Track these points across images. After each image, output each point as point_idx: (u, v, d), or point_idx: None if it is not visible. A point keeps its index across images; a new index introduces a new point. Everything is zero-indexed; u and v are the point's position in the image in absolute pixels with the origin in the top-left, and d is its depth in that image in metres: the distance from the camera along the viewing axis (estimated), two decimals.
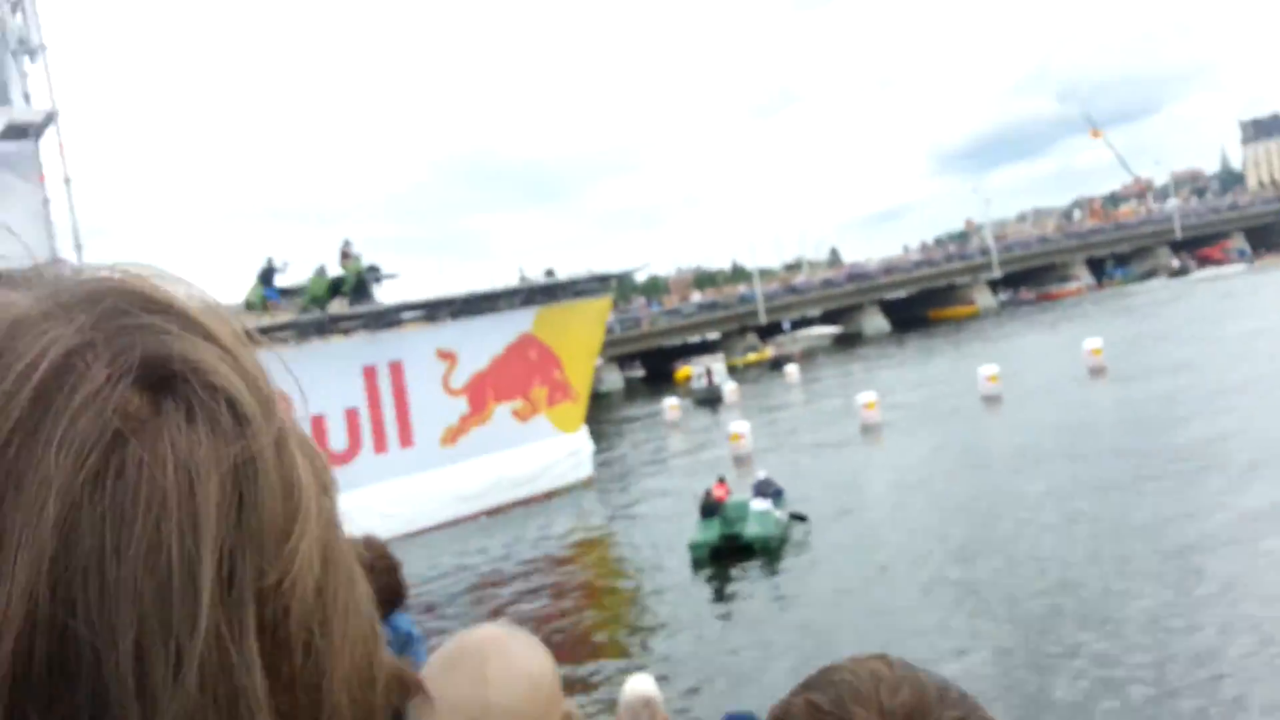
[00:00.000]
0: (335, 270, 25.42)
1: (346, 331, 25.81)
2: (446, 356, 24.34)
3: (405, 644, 3.40)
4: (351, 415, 22.97)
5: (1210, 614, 10.24)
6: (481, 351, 24.75)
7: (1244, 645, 9.34)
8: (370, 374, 23.36)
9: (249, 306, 24.45)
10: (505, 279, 27.82)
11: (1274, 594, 10.41)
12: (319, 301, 24.72)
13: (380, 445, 23.18)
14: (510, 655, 1.12)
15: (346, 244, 25.63)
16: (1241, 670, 8.90)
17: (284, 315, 23.39)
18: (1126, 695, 8.78)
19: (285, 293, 25.60)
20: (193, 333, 0.36)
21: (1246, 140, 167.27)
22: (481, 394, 24.69)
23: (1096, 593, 11.50)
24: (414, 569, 18.21)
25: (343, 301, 24.73)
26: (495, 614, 14.85)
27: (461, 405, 24.46)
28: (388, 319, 24.71)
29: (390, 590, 3.28)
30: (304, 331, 24.00)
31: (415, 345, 24.23)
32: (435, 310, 25.85)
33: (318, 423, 22.33)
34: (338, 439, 22.63)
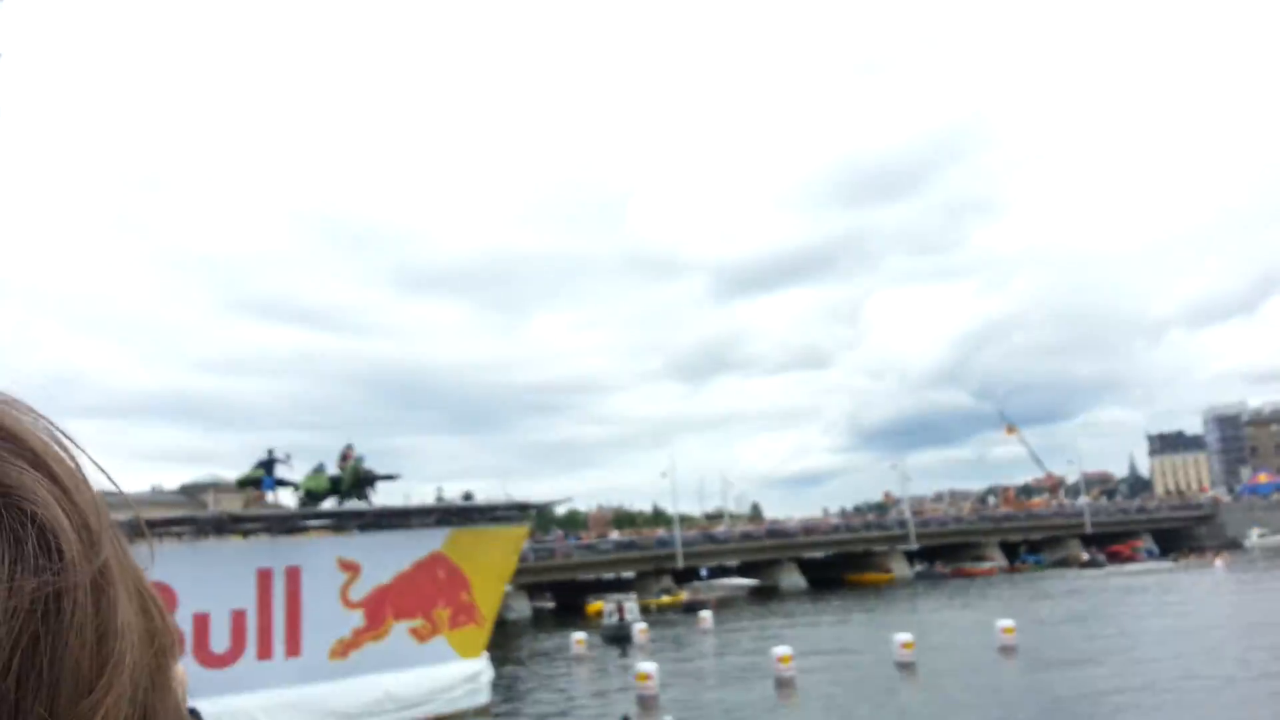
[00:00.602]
0: (333, 469, 25.66)
1: (245, 533, 25.13)
2: (349, 567, 23.56)
3: None
4: (238, 617, 21.81)
5: None
6: (386, 566, 23.99)
7: None
8: (265, 577, 22.45)
9: (241, 487, 25.29)
10: (422, 498, 27.45)
11: None
12: (315, 497, 24.95)
13: (265, 651, 21.85)
14: None
15: (348, 446, 26.14)
16: None
17: (179, 511, 22.94)
18: None
19: (281, 484, 25.83)
20: (21, 460, 0.33)
21: (1154, 452, 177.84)
22: (380, 609, 23.70)
23: None
24: None
25: (334, 500, 25.12)
26: None
27: (357, 619, 23.37)
28: (291, 524, 24.17)
29: None
30: (201, 528, 23.42)
31: (316, 553, 23.50)
32: (343, 520, 25.41)
33: (201, 621, 21.22)
34: (220, 640, 21.38)
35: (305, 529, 24.49)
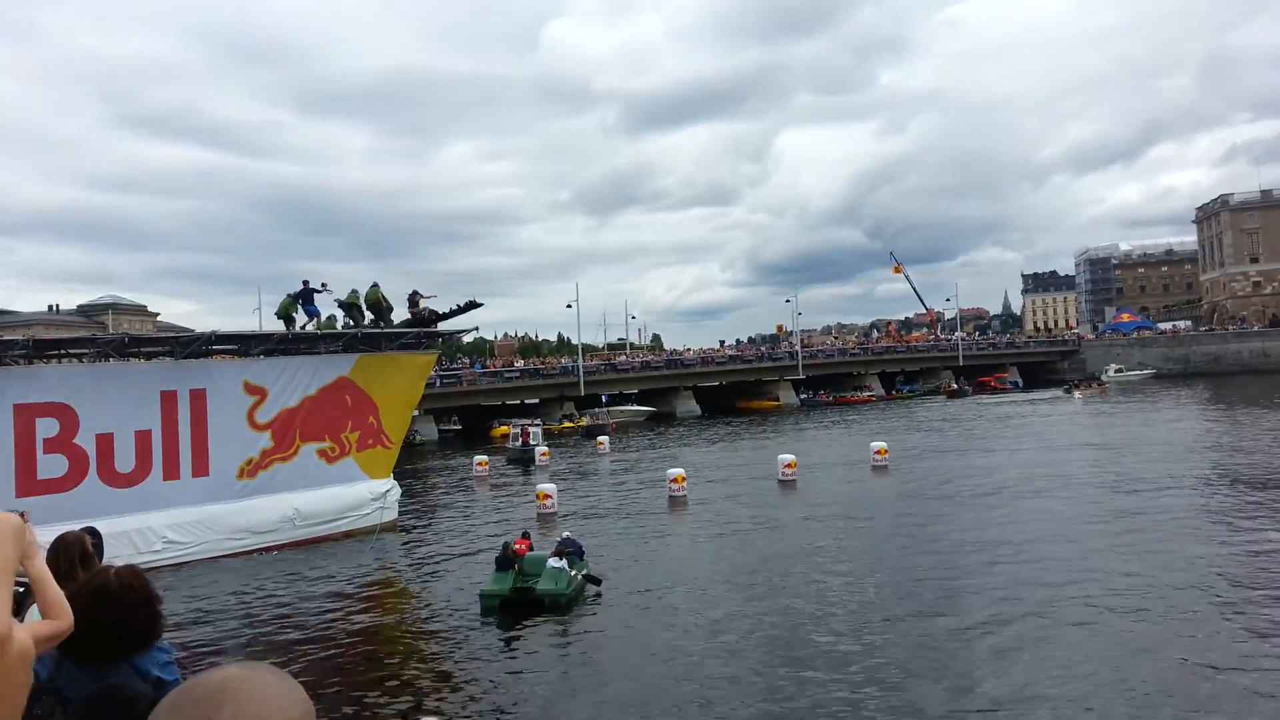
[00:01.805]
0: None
1: (147, 356, 24.90)
2: (255, 391, 23.79)
3: (155, 689, 2.98)
4: (142, 438, 21.99)
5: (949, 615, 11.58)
6: (293, 390, 24.32)
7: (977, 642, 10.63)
8: (169, 399, 22.53)
9: (280, 317, 26.52)
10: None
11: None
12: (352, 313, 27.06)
13: (172, 472, 22.23)
14: (246, 701, 0.97)
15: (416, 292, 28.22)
16: (984, 677, 10.14)
17: (82, 332, 22.49)
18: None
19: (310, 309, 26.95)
20: None
21: (1027, 290, 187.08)
22: (288, 431, 24.17)
23: (877, 629, 12.83)
24: (195, 600, 17.53)
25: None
26: (275, 651, 14.48)
27: (265, 440, 23.84)
28: (194, 348, 24.06)
29: (142, 629, 2.95)
30: (102, 350, 23.13)
31: (221, 376, 23.63)
32: (248, 344, 25.38)
33: (104, 441, 21.36)
34: (125, 460, 21.62)
35: (209, 353, 24.40)
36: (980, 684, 11.30)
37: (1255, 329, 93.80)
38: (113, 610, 2.88)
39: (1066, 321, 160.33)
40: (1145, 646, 12.30)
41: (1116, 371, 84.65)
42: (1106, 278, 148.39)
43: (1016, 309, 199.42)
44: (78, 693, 2.72)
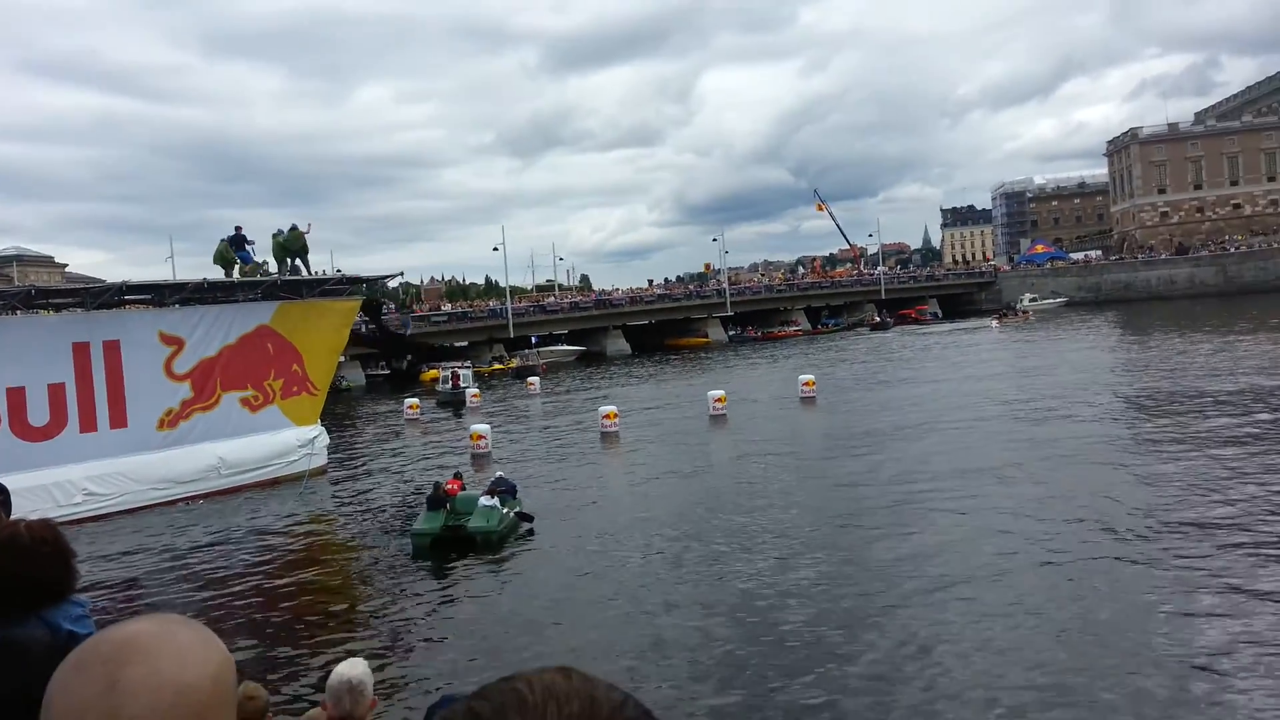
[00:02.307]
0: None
1: (56, 307, 24.09)
2: (171, 341, 23.21)
3: (68, 642, 2.84)
4: (56, 391, 21.36)
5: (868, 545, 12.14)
6: (211, 339, 23.78)
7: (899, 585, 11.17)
8: (81, 350, 21.87)
9: (218, 263, 25.88)
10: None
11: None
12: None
13: (89, 424, 21.67)
14: (156, 657, 0.90)
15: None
16: (892, 616, 10.67)
17: None
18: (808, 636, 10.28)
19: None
20: None
21: (945, 224, 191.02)
22: (208, 381, 23.68)
23: (805, 556, 13.38)
24: (119, 552, 17.26)
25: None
26: (202, 600, 14.41)
27: (184, 390, 23.34)
28: (105, 298, 23.32)
29: (55, 582, 2.82)
30: (8, 302, 22.32)
31: (135, 327, 23.02)
32: (162, 294, 24.70)
33: (16, 395, 20.72)
34: (38, 414, 21.01)
35: (122, 303, 23.66)
36: (897, 606, 11.84)
37: (1162, 257, 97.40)
38: (23, 564, 2.85)
39: (984, 254, 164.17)
40: (1062, 575, 12.95)
41: (1031, 301, 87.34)
42: (1021, 211, 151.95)
43: (936, 243, 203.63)
44: None
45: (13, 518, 3.39)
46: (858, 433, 25.62)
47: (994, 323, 72.63)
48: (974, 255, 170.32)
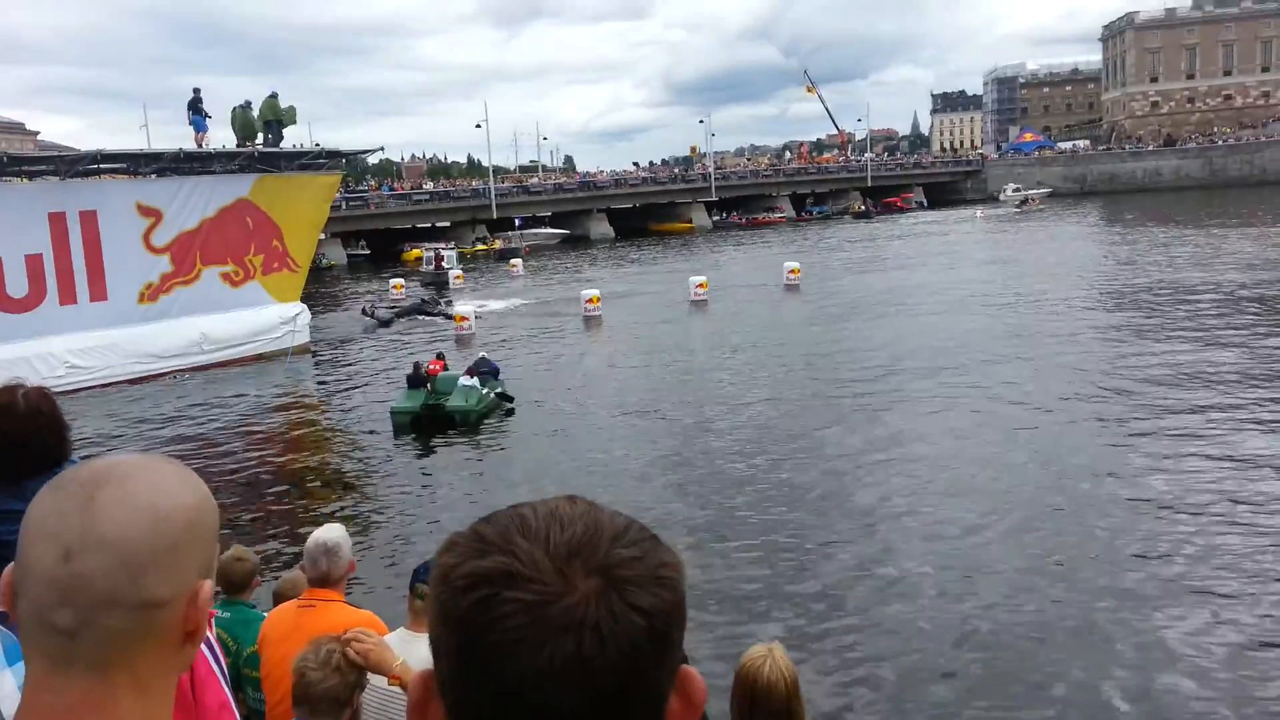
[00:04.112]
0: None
1: (29, 175, 23.60)
2: (149, 213, 22.86)
3: None
4: (33, 261, 21.13)
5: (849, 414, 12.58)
6: (190, 211, 23.44)
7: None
8: (58, 220, 21.52)
9: (238, 129, 25.21)
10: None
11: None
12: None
13: (68, 296, 21.54)
14: (134, 482, 0.90)
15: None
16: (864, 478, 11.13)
17: None
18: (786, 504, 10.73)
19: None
20: None
21: (935, 110, 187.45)
22: (188, 254, 23.47)
23: (780, 427, 13.94)
24: (102, 424, 17.47)
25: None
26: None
27: (164, 264, 23.15)
28: (78, 167, 22.82)
29: (50, 451, 2.79)
30: None
31: (112, 197, 22.62)
32: (137, 163, 24.21)
33: None
34: (16, 285, 20.85)
35: (98, 173, 23.18)
36: (864, 482, 12.27)
37: (1150, 149, 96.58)
38: (19, 431, 2.91)
39: (972, 142, 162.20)
40: (1032, 449, 13.38)
41: (1015, 191, 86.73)
42: (1012, 97, 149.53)
43: (925, 129, 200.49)
44: None
45: (9, 384, 3.46)
46: (840, 320, 26.01)
47: (979, 212, 72.36)
48: (963, 143, 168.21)
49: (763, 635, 7.10)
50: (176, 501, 0.91)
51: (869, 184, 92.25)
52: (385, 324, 30.22)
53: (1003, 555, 9.42)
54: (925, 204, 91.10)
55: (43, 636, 0.86)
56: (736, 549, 10.03)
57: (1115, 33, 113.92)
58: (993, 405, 15.43)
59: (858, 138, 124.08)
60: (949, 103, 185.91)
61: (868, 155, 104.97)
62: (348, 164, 32.44)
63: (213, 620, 2.70)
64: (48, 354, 20.46)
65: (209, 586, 0.94)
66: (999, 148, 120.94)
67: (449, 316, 29.03)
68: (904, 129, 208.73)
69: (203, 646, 2.27)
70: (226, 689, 2.31)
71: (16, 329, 20.38)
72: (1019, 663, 7.31)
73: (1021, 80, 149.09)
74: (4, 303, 20.63)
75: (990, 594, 8.50)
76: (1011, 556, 9.38)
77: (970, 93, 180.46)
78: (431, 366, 18.20)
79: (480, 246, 64.15)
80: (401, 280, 40.32)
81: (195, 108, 25.67)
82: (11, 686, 2.03)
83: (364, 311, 31.75)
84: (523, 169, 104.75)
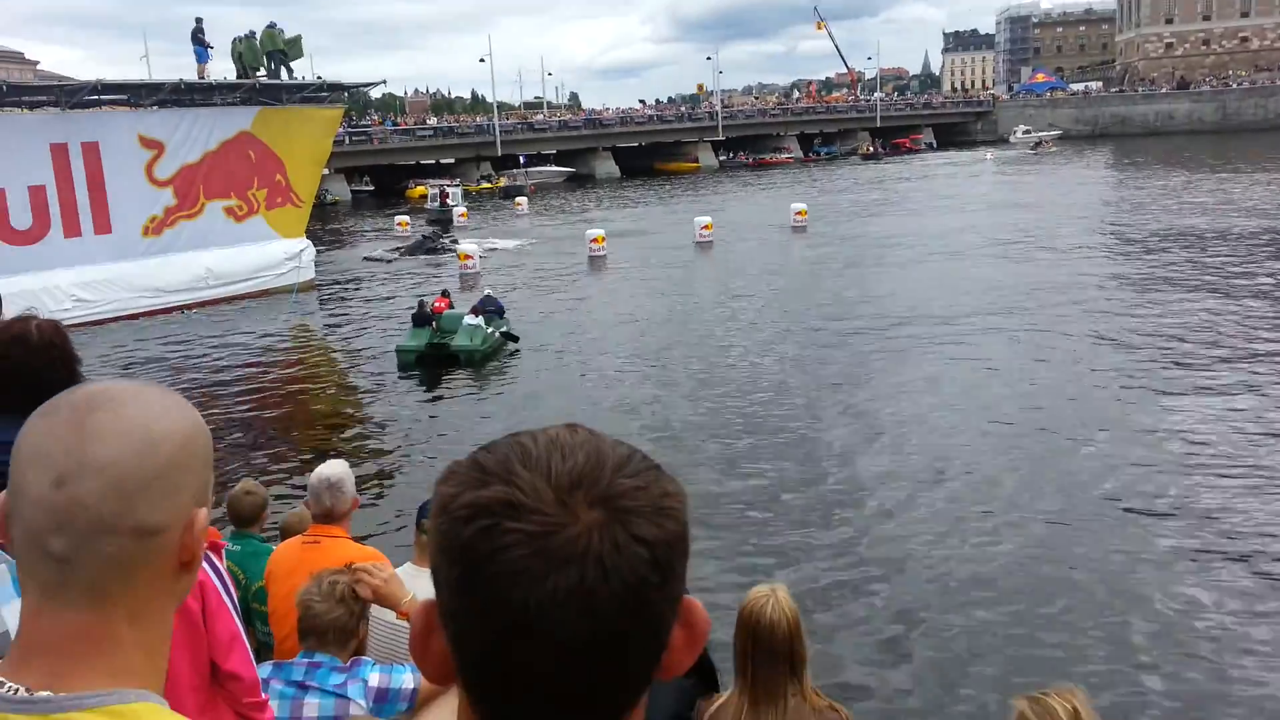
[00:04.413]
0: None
1: (30, 105, 23.31)
2: (151, 145, 22.64)
3: None
4: (37, 193, 21.00)
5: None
6: (192, 144, 23.20)
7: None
8: (60, 151, 21.34)
9: (244, 60, 25.12)
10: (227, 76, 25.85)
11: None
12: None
13: (72, 229, 21.45)
14: (126, 407, 0.88)
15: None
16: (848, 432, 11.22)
17: None
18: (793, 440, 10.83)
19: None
20: None
21: (947, 49, 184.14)
22: (191, 187, 23.30)
23: (784, 370, 14.07)
24: (107, 357, 17.54)
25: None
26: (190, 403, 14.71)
27: (167, 197, 22.99)
28: (79, 97, 22.53)
29: (58, 382, 2.94)
30: None
31: (114, 128, 22.38)
32: (138, 94, 23.90)
33: None
34: (20, 217, 20.76)
35: (98, 103, 22.91)
36: (874, 420, 12.34)
37: (1163, 91, 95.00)
38: (32, 362, 2.91)
39: (984, 82, 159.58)
40: (1043, 400, 13.36)
41: (1024, 133, 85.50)
42: (1025, 37, 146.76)
43: (936, 69, 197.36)
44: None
45: (22, 315, 3.46)
46: (847, 264, 25.79)
47: (989, 154, 71.50)
48: (974, 83, 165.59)
49: (766, 576, 7.20)
50: (169, 427, 0.90)
51: (878, 124, 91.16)
52: (386, 261, 30.32)
53: (1013, 503, 9.44)
54: (935, 145, 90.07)
55: (37, 563, 0.85)
56: (739, 489, 10.12)
57: None
58: (1003, 354, 15.28)
59: (867, 77, 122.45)
60: (961, 42, 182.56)
61: (877, 95, 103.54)
62: (350, 97, 31.95)
63: (224, 553, 2.75)
64: (54, 287, 20.42)
65: (204, 514, 0.92)
66: (1010, 88, 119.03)
67: (454, 252, 28.92)
68: (915, 68, 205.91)
69: (214, 578, 2.33)
70: (238, 620, 2.35)
71: (22, 261, 20.31)
72: (1029, 611, 7.37)
73: (1035, 20, 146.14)
74: (9, 235, 20.56)
75: (1004, 545, 8.50)
76: (1022, 503, 9.41)
77: (983, 32, 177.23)
78: (437, 304, 18.18)
79: (485, 184, 63.70)
80: (406, 217, 40.12)
81: (196, 38, 25.32)
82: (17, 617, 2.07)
83: (366, 258, 31.73)
84: (528, 106, 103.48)
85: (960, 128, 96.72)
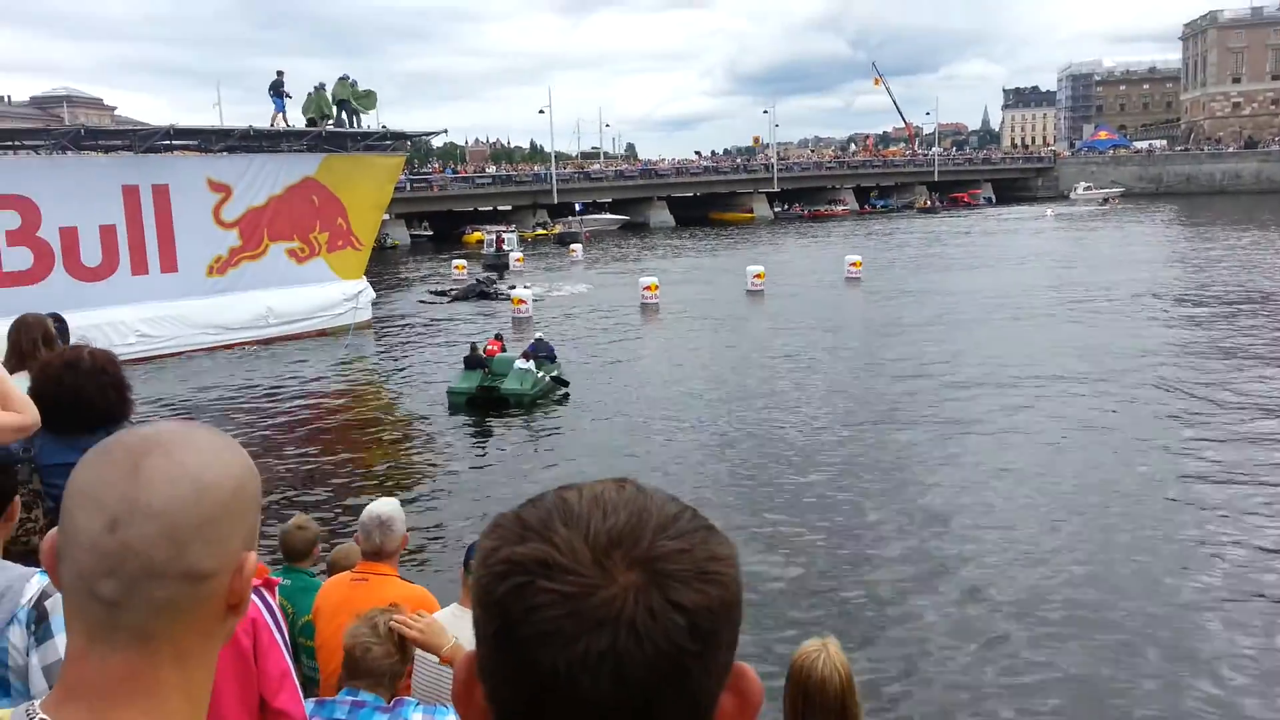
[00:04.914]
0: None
1: (106, 149, 24.24)
2: (219, 188, 23.38)
3: None
4: (107, 232, 21.73)
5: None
6: (259, 188, 23.93)
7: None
8: (131, 194, 22.13)
9: (312, 111, 26.31)
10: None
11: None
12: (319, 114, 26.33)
13: (140, 266, 22.13)
14: (180, 452, 0.89)
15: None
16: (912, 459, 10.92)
17: (33, 124, 21.83)
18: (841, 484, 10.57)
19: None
20: None
21: (1006, 105, 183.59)
22: (256, 230, 23.96)
23: (838, 424, 13.77)
24: (168, 390, 17.90)
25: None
26: (245, 440, 14.91)
27: (232, 238, 23.65)
28: (153, 142, 23.41)
29: (111, 408, 2.98)
30: (59, 142, 22.53)
31: (184, 172, 23.17)
32: (209, 140, 24.76)
33: (69, 234, 21.11)
34: (91, 254, 21.45)
35: (169, 148, 23.78)
36: (928, 490, 12.03)
37: (1230, 150, 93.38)
38: (83, 386, 2.95)
39: (1044, 138, 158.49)
40: (1108, 466, 12.96)
41: (1085, 189, 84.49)
42: (1087, 95, 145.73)
43: (995, 125, 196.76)
44: (50, 459, 2.84)
45: (77, 344, 3.51)
46: (902, 316, 25.45)
47: (1049, 210, 70.74)
48: (1034, 140, 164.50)
49: (816, 631, 6.97)
50: (221, 473, 0.90)
51: (935, 179, 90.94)
52: (445, 298, 30.92)
53: (1075, 565, 9.05)
54: (993, 200, 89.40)
55: (86, 605, 0.84)
56: (791, 543, 9.90)
57: (1197, 31, 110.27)
58: (1076, 425, 14.14)
59: (925, 132, 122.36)
60: (1021, 98, 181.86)
61: (935, 149, 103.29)
62: (412, 146, 32.77)
63: (276, 589, 2.71)
64: (119, 322, 20.98)
65: (253, 559, 0.92)
66: (1072, 145, 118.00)
67: (507, 297, 29.22)
68: (974, 124, 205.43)
69: (266, 615, 2.30)
70: (288, 657, 2.31)
71: (90, 297, 20.93)
72: (1091, 675, 7.05)
73: (1097, 78, 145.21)
74: (78, 271, 21.24)
75: (1063, 604, 8.17)
76: (1084, 566, 9.02)
77: (1044, 89, 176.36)
78: (489, 348, 18.30)
79: (540, 231, 64.59)
80: (463, 261, 40.75)
81: (277, 89, 26.24)
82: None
83: (422, 300, 32.26)
84: (584, 155, 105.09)
85: (1020, 183, 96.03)
